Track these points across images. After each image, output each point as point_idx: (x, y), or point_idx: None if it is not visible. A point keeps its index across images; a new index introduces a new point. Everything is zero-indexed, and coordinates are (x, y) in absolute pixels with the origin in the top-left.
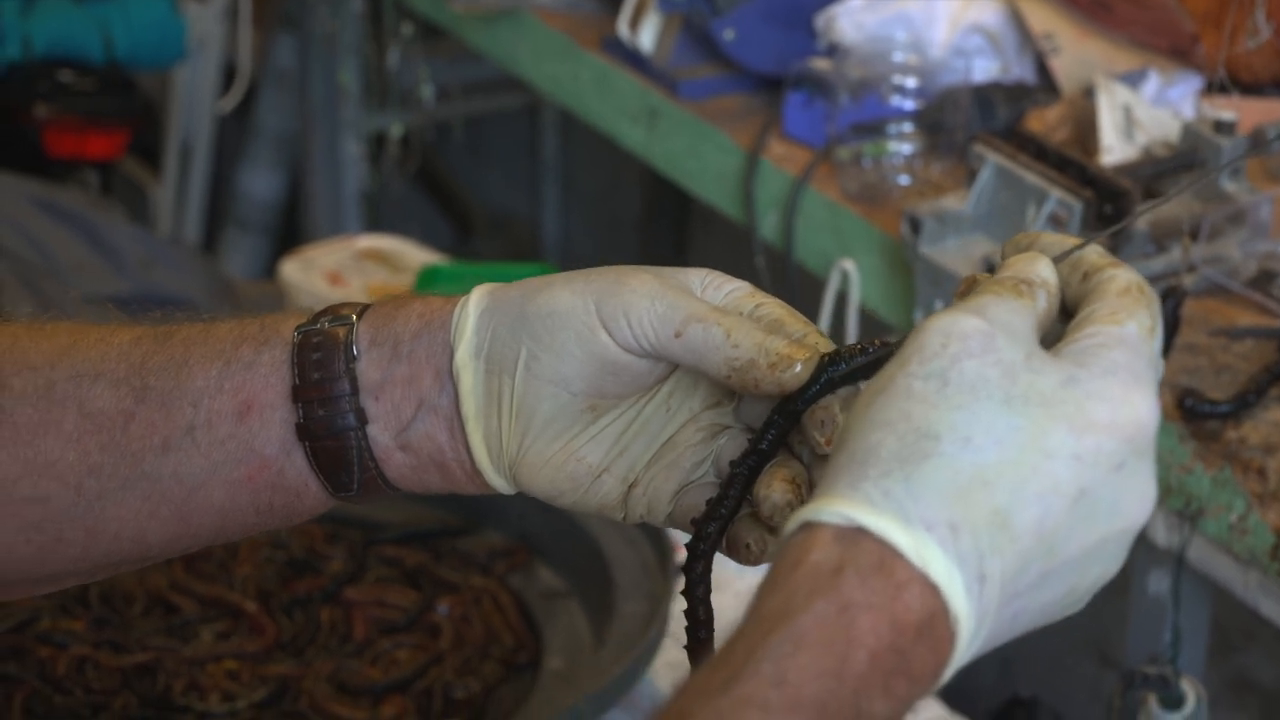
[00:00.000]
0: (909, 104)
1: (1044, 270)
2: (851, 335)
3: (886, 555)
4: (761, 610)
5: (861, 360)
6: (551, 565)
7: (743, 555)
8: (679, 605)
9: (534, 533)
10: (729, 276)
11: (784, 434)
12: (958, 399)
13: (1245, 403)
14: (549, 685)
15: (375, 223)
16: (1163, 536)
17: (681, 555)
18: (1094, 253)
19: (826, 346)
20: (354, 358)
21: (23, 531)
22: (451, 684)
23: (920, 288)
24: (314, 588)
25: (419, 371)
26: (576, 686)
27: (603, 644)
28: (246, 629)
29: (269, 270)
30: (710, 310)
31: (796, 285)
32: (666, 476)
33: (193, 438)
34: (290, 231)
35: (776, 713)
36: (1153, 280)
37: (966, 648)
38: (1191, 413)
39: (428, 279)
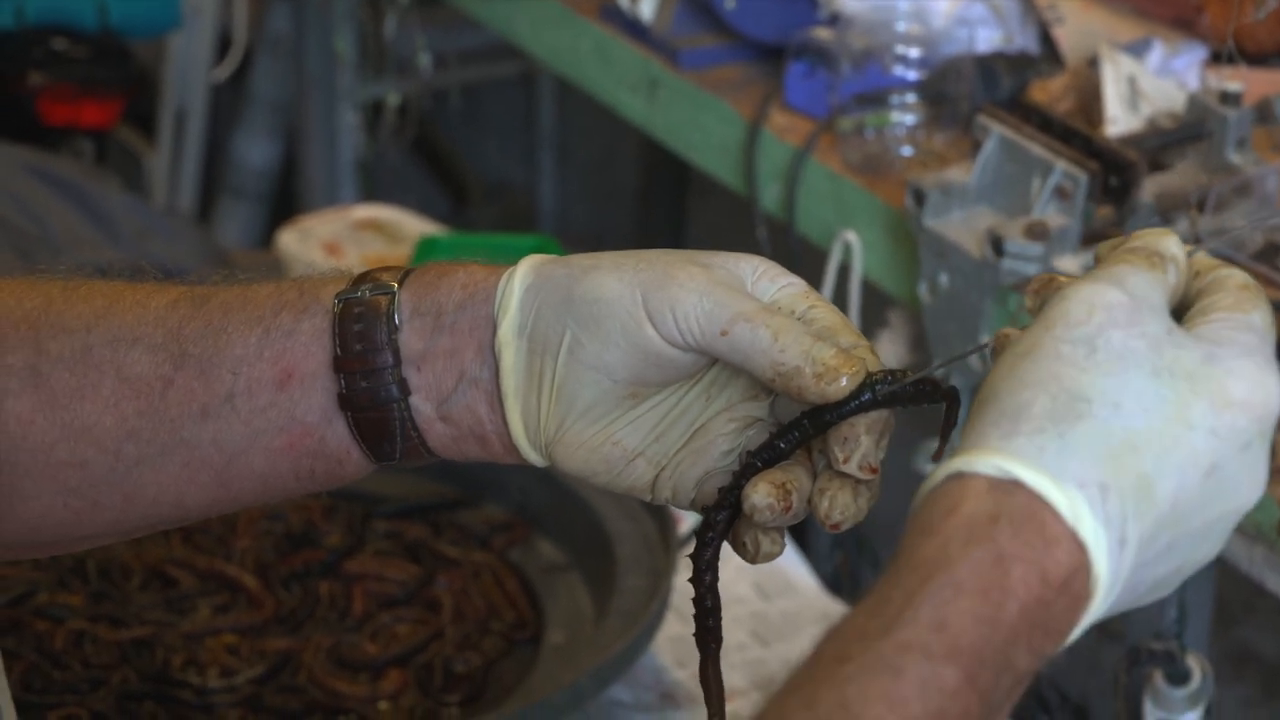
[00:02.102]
0: (912, 74)
1: (1174, 246)
2: (854, 308)
3: (1039, 509)
4: (916, 556)
5: (906, 386)
6: (552, 539)
7: (740, 552)
8: (682, 578)
9: (534, 506)
10: (783, 270)
11: (806, 439)
12: (1107, 365)
13: None
14: (550, 660)
15: (371, 192)
16: None
17: (683, 528)
18: (1202, 255)
19: (874, 363)
20: (396, 328)
21: (60, 495)
22: (452, 658)
23: (924, 260)
24: (312, 561)
25: (462, 344)
26: (578, 661)
27: (604, 618)
28: (245, 603)
29: (264, 239)
30: (759, 310)
31: (798, 257)
32: (693, 462)
33: (232, 405)
34: (286, 200)
35: (938, 659)
36: None
37: (1099, 608)
38: None
39: (425, 250)
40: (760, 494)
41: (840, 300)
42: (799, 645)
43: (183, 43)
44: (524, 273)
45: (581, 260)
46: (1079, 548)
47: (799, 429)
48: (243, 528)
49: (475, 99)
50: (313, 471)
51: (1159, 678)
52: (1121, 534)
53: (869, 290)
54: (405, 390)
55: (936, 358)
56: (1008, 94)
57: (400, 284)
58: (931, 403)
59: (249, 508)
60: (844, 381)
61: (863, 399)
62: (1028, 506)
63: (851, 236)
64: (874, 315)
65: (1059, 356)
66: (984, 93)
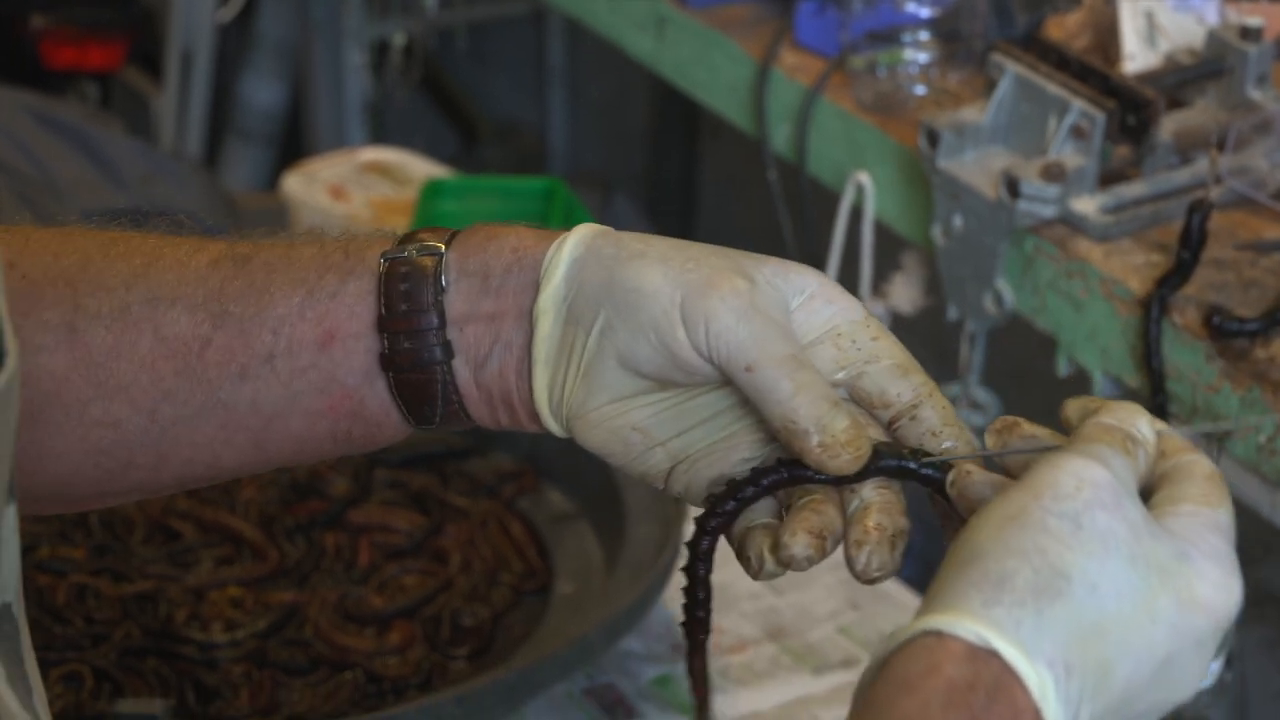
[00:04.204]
0: (924, 11)
1: (1146, 428)
2: (866, 251)
3: (1010, 682)
4: (896, 711)
5: (912, 468)
6: (561, 488)
7: (743, 563)
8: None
9: (543, 455)
10: (842, 291)
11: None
12: (1090, 546)
13: (1275, 320)
14: (560, 611)
15: (379, 132)
16: None
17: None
18: (1171, 435)
19: (941, 419)
20: (443, 289)
21: (91, 455)
22: (460, 610)
23: (938, 202)
24: (317, 512)
25: (504, 307)
26: (588, 613)
27: (614, 568)
28: (249, 555)
29: (273, 181)
30: (789, 358)
31: (810, 199)
32: (710, 464)
33: (272, 365)
34: (294, 142)
35: None
36: (1178, 193)
37: None
38: (1219, 330)
39: (431, 193)
40: (800, 545)
41: (852, 243)
42: (812, 594)
43: None
44: (574, 243)
45: (633, 242)
46: None
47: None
48: (246, 479)
49: (483, 37)
50: (350, 434)
51: None
52: (1076, 713)
53: (881, 232)
54: (449, 353)
55: (950, 302)
56: (1023, 31)
57: (448, 245)
58: (938, 489)
59: (285, 466)
60: (845, 459)
61: (870, 469)
62: (1001, 678)
63: (864, 178)
64: (887, 258)
65: (1045, 528)
66: (998, 30)
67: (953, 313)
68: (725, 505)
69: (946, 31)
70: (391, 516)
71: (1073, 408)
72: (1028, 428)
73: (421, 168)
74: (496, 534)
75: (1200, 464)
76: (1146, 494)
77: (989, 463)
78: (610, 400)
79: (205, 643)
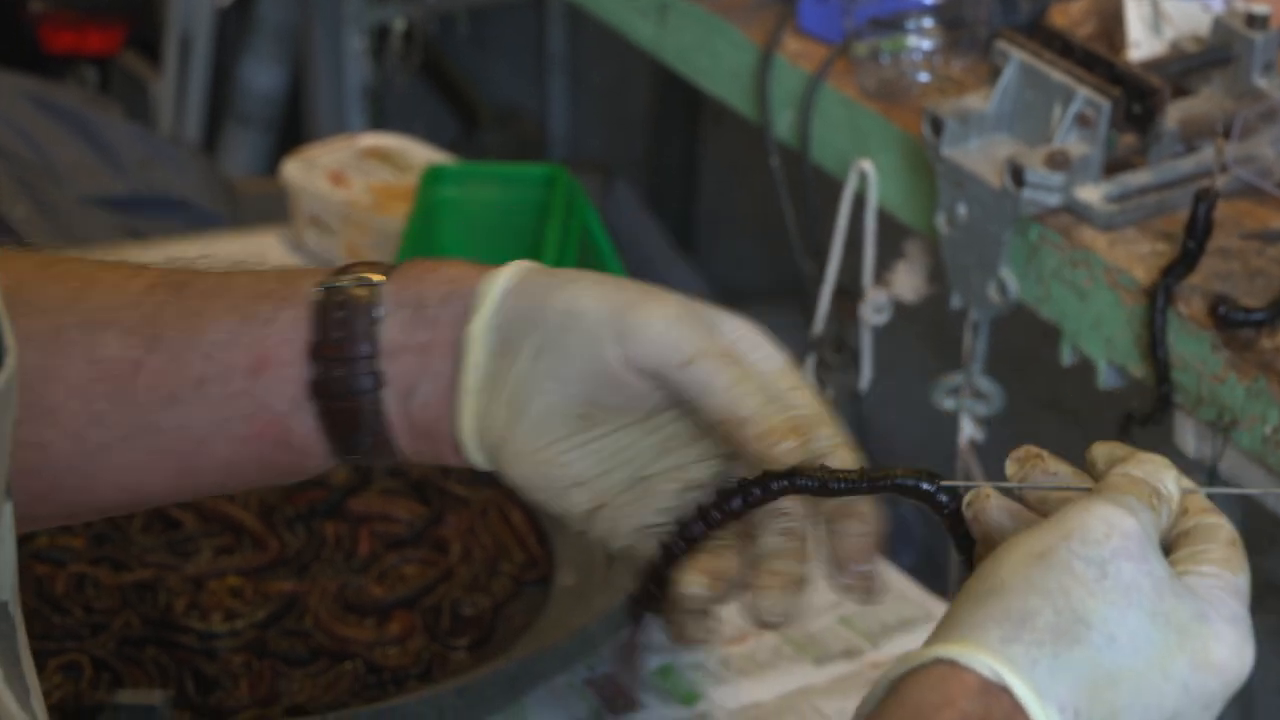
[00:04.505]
0: None
1: (1173, 485)
2: (870, 239)
3: (1018, 718)
4: None
5: (927, 490)
6: None
7: (667, 629)
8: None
9: None
10: (768, 340)
11: (768, 500)
12: (1114, 595)
13: None
14: (561, 601)
15: (379, 118)
16: (1193, 448)
17: None
18: (1195, 495)
19: (846, 461)
20: (377, 319)
21: (17, 478)
22: (460, 600)
23: (942, 190)
24: (317, 501)
25: (437, 338)
26: (590, 604)
27: (616, 559)
28: (248, 544)
29: (272, 166)
30: (724, 352)
31: (813, 186)
32: (631, 512)
33: (202, 391)
34: (293, 127)
35: None
36: (1183, 182)
37: None
38: (1224, 320)
39: (433, 178)
40: (693, 583)
41: (855, 231)
42: (814, 584)
43: None
44: (508, 275)
45: (565, 273)
46: None
47: (766, 489)
48: None
49: (483, 23)
50: (276, 462)
51: None
52: None
53: (885, 220)
54: (379, 382)
55: (954, 290)
56: (1027, 18)
57: (386, 277)
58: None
59: (210, 496)
60: (786, 447)
61: (798, 482)
62: (1010, 715)
63: (867, 165)
64: (890, 246)
65: (1071, 571)
66: (1002, 17)
67: (956, 301)
68: (731, 502)
69: (950, 18)
70: (392, 506)
71: (1100, 452)
72: (1051, 464)
73: (422, 153)
74: (497, 523)
75: (1223, 529)
76: (1165, 550)
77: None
78: (536, 432)
79: (205, 632)
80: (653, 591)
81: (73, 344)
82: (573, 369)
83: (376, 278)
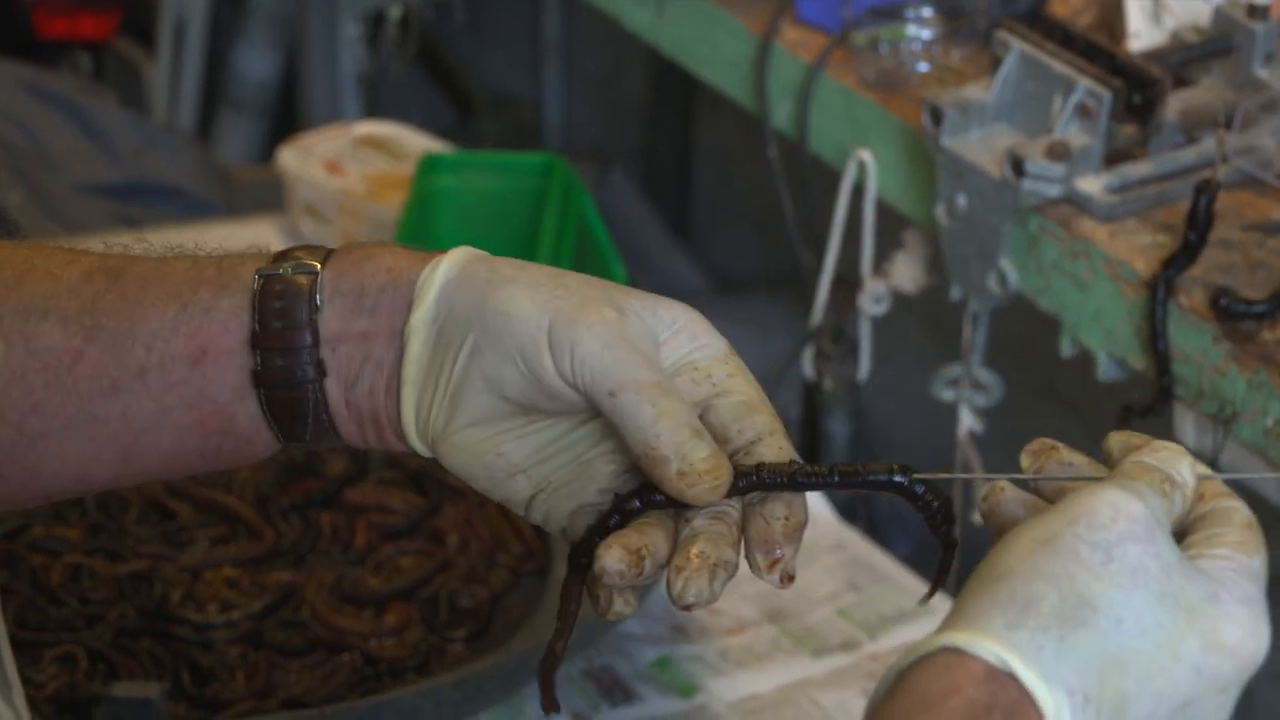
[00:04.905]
0: None
1: (1187, 472)
2: (868, 229)
3: (1027, 706)
4: None
5: (770, 481)
6: None
7: (594, 603)
8: None
9: None
10: (707, 327)
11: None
12: (1120, 578)
13: None
14: (558, 593)
15: (374, 105)
16: (1193, 441)
17: None
18: (1212, 481)
19: (774, 453)
20: (317, 308)
21: None
22: (457, 592)
23: (941, 180)
24: (313, 491)
25: (377, 327)
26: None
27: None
28: (244, 535)
29: (266, 153)
30: (652, 384)
31: (811, 177)
32: (569, 494)
33: (143, 380)
34: (288, 114)
35: None
36: (1184, 173)
37: None
38: (1226, 312)
39: (428, 167)
40: (612, 558)
41: (854, 221)
42: (811, 576)
43: None
44: (448, 266)
45: (506, 267)
46: None
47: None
48: None
49: (479, 10)
50: (219, 449)
51: None
52: None
53: (884, 211)
54: (321, 371)
55: (954, 281)
56: (1027, 8)
57: (323, 264)
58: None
59: (153, 481)
60: (704, 488)
61: (765, 478)
62: (1018, 701)
63: (866, 155)
64: (889, 236)
65: (1077, 556)
66: (1002, 6)
67: (956, 292)
68: (595, 536)
69: (950, 8)
70: (388, 496)
71: (1115, 441)
72: (1066, 454)
73: (418, 142)
74: (494, 514)
75: (1239, 511)
76: (1181, 537)
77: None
78: (474, 424)
79: (201, 623)
80: (580, 564)
81: (12, 332)
82: (508, 373)
83: (316, 264)
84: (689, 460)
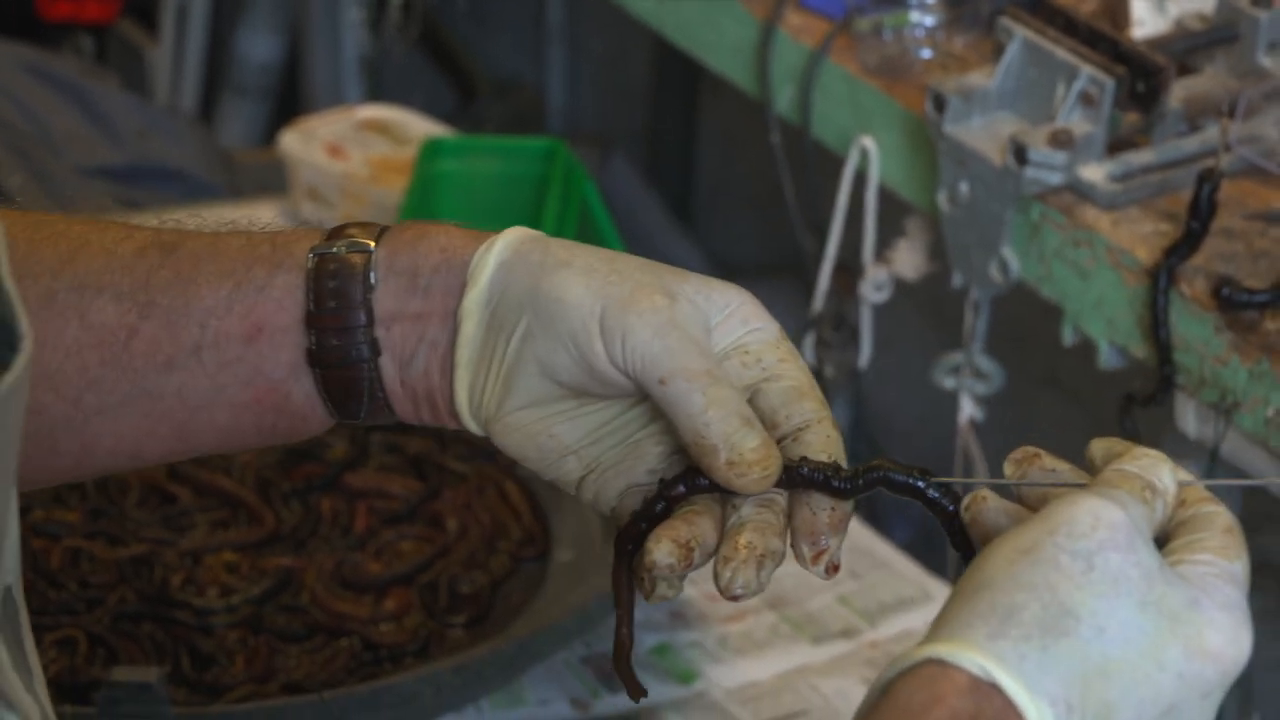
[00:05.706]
0: None
1: (1168, 479)
2: (870, 216)
3: (1009, 714)
4: None
5: (919, 487)
6: None
7: (639, 585)
8: None
9: None
10: (760, 310)
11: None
12: (1100, 587)
13: None
14: (558, 579)
15: (376, 89)
16: (1194, 430)
17: None
18: (1193, 486)
19: (822, 445)
20: (371, 287)
21: None
22: (458, 577)
23: (944, 167)
24: (314, 475)
25: (431, 308)
26: (587, 580)
27: (614, 536)
28: (244, 519)
29: (268, 137)
30: (703, 372)
31: (813, 163)
32: (618, 474)
33: (199, 358)
34: (290, 97)
35: None
36: (1187, 161)
37: None
38: (1228, 302)
39: (431, 152)
40: (663, 552)
41: (856, 208)
42: None
43: None
44: (501, 247)
45: (560, 250)
46: None
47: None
48: None
49: None
50: (275, 427)
51: None
52: None
53: (886, 197)
54: (376, 350)
55: (955, 269)
56: None
57: (377, 242)
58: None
59: (208, 455)
60: (753, 478)
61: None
62: (1002, 712)
63: (868, 142)
64: (891, 223)
65: (1057, 565)
66: None
67: (957, 280)
68: (675, 490)
69: None
70: (388, 481)
71: (1098, 448)
72: (1049, 461)
73: (420, 126)
74: (494, 499)
75: (1221, 516)
76: (1162, 543)
77: (1005, 491)
78: (527, 406)
79: (201, 608)
80: (626, 550)
81: (68, 308)
82: (562, 359)
83: (370, 242)
84: (738, 450)
